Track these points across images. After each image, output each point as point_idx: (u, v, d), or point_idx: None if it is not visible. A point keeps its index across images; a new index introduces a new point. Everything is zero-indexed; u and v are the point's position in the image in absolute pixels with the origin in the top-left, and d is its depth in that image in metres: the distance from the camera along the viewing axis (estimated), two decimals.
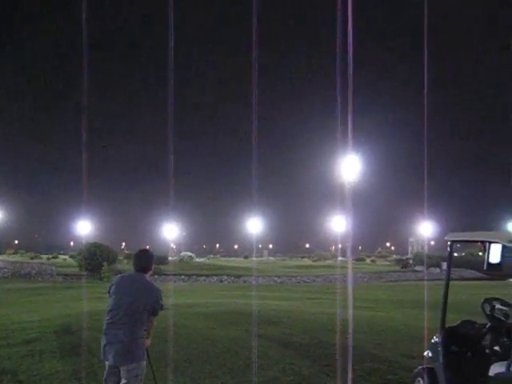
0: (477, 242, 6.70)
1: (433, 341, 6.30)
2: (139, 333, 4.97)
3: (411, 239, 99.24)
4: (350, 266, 66.22)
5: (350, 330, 6.98)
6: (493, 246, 5.29)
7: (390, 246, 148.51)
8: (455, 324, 6.25)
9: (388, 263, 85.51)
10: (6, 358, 9.28)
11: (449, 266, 6.75)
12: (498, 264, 5.25)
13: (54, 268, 54.26)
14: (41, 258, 76.53)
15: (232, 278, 53.97)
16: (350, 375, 7.23)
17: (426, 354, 6.44)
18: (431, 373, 6.09)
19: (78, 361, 8.79)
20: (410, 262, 75.14)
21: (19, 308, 18.38)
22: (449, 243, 6.30)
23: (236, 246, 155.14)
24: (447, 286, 6.34)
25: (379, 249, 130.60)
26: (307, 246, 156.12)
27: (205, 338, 10.59)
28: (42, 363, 8.81)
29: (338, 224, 70.93)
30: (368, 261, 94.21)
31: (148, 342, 5.30)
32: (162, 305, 5.20)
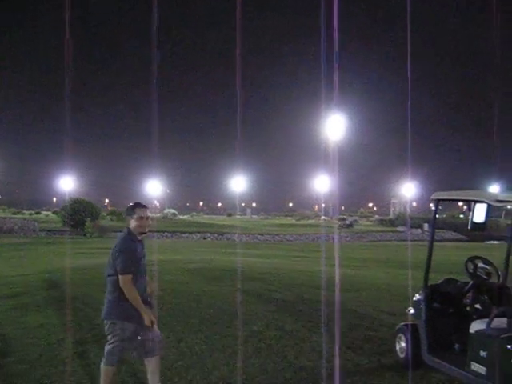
0: (462, 200, 6.74)
1: (415, 298, 6.39)
2: (112, 294, 4.92)
3: (394, 200, 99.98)
4: (335, 224, 66.68)
5: (337, 287, 7.05)
6: (478, 205, 5.32)
7: (373, 207, 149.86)
8: (438, 282, 6.33)
9: (370, 223, 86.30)
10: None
11: (433, 225, 6.82)
12: (482, 223, 5.30)
13: (36, 224, 54.07)
14: (23, 214, 76.12)
15: (215, 235, 54.23)
16: (337, 330, 7.33)
17: (408, 311, 6.54)
18: (413, 329, 6.20)
19: (62, 314, 8.82)
20: (347, 222, 74.45)
21: (3, 263, 18.33)
22: (434, 202, 6.33)
23: (219, 204, 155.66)
24: (431, 244, 6.39)
25: (361, 209, 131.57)
26: (290, 205, 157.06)
27: (188, 293, 10.64)
28: (27, 316, 8.83)
29: (322, 183, 71.24)
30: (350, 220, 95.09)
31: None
32: (121, 266, 4.81)
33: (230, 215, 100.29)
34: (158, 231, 48.85)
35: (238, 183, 76.93)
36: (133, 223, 5.01)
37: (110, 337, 4.98)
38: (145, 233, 5.05)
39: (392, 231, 69.01)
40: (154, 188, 76.04)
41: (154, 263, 14.09)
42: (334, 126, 47.06)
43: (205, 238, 51.73)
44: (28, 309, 9.47)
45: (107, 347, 4.99)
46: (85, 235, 41.13)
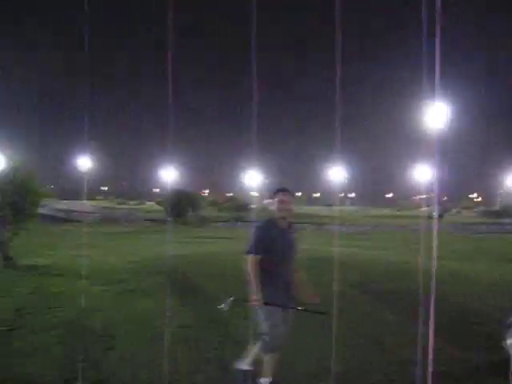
0: None
1: None
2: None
3: (501, 190, 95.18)
4: (435, 214, 64.15)
5: (433, 277, 6.83)
6: None
7: (478, 197, 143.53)
8: None
9: (474, 214, 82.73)
10: (99, 296, 9.78)
11: None
12: None
13: (141, 214, 56.36)
14: (128, 204, 79.49)
15: (315, 225, 54.05)
16: (432, 321, 7.09)
17: None
18: None
19: (166, 300, 9.13)
20: (440, 213, 70.52)
21: (110, 250, 19.21)
22: None
23: (317, 194, 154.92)
24: None
25: (465, 200, 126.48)
26: (390, 195, 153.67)
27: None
28: (132, 301, 9.25)
29: (423, 173, 68.97)
30: (454, 211, 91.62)
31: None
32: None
33: (328, 206, 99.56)
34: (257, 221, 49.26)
35: (337, 173, 76.08)
36: (274, 206, 4.92)
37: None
38: (285, 218, 4.91)
39: (498, 223, 65.75)
40: (253, 178, 76.76)
41: None
42: (437, 114, 45.36)
43: (304, 229, 51.73)
44: (135, 294, 9.91)
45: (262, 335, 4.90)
46: (186, 224, 42.34)
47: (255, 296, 4.64)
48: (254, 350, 5.14)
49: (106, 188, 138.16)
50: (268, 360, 4.93)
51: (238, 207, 54.26)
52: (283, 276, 4.86)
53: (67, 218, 46.09)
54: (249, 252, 4.78)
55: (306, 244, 22.47)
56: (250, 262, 4.73)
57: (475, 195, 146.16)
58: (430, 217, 65.60)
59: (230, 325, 7.57)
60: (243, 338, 6.76)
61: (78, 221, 44.68)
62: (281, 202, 4.88)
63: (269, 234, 4.82)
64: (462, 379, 5.59)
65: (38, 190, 14.55)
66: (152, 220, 50.96)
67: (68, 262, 14.81)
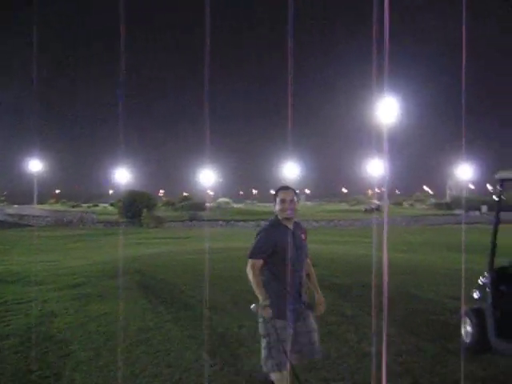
0: None
1: (480, 282, 6.20)
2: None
3: (450, 182, 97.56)
4: (385, 208, 65.63)
5: (385, 270, 6.96)
6: None
7: (428, 190, 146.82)
8: (505, 265, 6.13)
9: (426, 207, 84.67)
10: (55, 301, 9.56)
11: (498, 207, 6.58)
12: None
13: (94, 216, 55.47)
14: (81, 207, 78.22)
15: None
16: (385, 314, 7.17)
17: (473, 294, 6.36)
18: (479, 313, 6.02)
19: (123, 303, 9.00)
20: (373, 206, 72.24)
21: (64, 254, 18.85)
22: (498, 182, 6.12)
23: (272, 191, 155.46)
24: (496, 226, 6.19)
25: (417, 193, 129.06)
26: (344, 190, 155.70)
27: (246, 280, 10.72)
28: (89, 306, 9.07)
29: (375, 168, 70.16)
30: (406, 205, 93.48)
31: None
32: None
33: None
34: (212, 220, 49.31)
35: (291, 170, 76.58)
36: (276, 207, 4.52)
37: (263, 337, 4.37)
38: (290, 218, 4.48)
39: (449, 214, 67.49)
40: (207, 177, 76.63)
41: (209, 252, 14.25)
42: (387, 109, 46.14)
43: (259, 226, 51.84)
44: (90, 298, 9.72)
45: (264, 351, 4.31)
46: (141, 225, 41.92)
47: (264, 303, 4.14)
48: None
49: (59, 191, 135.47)
50: (278, 380, 4.30)
51: (194, 206, 54.08)
52: (292, 280, 4.36)
53: (18, 223, 45.01)
54: (250, 256, 4.38)
55: None
56: (250, 267, 4.34)
57: (426, 188, 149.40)
58: (367, 211, 67.12)
59: (187, 327, 7.54)
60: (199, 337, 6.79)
61: (30, 225, 43.71)
62: (283, 201, 4.49)
63: (274, 237, 4.41)
64: (420, 368, 5.67)
65: None
66: (106, 222, 50.29)
67: (21, 267, 14.45)
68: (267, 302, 4.12)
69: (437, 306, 8.59)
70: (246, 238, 27.13)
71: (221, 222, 51.34)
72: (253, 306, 4.26)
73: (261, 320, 4.29)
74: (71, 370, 5.79)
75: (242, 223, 53.06)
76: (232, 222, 52.70)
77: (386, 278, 6.80)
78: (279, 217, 4.51)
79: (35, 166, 62.19)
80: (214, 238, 23.19)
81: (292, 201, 4.50)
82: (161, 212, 52.43)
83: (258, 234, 4.51)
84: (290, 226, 4.50)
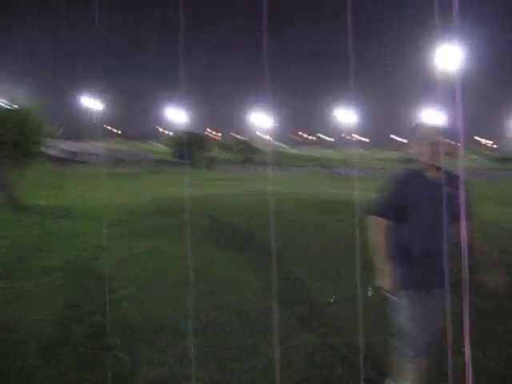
0: None
1: None
2: None
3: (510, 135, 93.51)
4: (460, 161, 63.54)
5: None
6: None
7: (486, 142, 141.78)
8: None
9: (487, 159, 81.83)
10: (101, 237, 9.54)
11: None
12: None
13: (149, 155, 55.90)
14: (137, 146, 79.15)
15: (325, 168, 53.63)
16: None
17: None
18: None
19: (168, 241, 8.90)
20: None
21: (115, 191, 18.96)
22: None
23: (327, 138, 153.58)
24: None
25: (473, 143, 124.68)
26: (399, 139, 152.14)
27: (304, 225, 10.58)
28: (134, 242, 9.02)
29: (431, 117, 67.85)
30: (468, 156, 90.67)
31: None
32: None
33: (338, 149, 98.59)
34: (268, 165, 48.93)
35: (346, 116, 75.13)
36: (419, 151, 3.42)
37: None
38: (439, 167, 3.34)
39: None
40: (262, 121, 76.02)
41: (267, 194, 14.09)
42: (449, 55, 44.04)
43: (314, 172, 51.26)
44: (137, 235, 9.67)
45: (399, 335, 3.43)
46: (194, 166, 41.99)
47: (385, 277, 3.27)
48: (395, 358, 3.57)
49: (116, 129, 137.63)
50: (410, 369, 3.42)
51: (248, 150, 53.72)
52: (432, 249, 3.32)
53: (74, 159, 45.77)
54: (373, 212, 3.40)
55: (320, 187, 22.22)
56: (373, 226, 3.36)
57: (486, 140, 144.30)
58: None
59: (234, 267, 7.35)
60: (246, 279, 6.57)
61: (85, 162, 44.43)
62: (434, 143, 3.31)
63: (410, 190, 3.34)
64: None
65: (40, 128, 14.15)
66: (159, 161, 50.53)
67: (71, 203, 14.60)
68: (389, 273, 3.27)
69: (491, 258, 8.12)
70: (300, 182, 26.93)
71: (277, 167, 50.88)
72: (369, 290, 3.58)
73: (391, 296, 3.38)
74: (113, 306, 5.68)
75: (296, 168, 52.52)
76: (287, 167, 52.15)
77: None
78: (423, 163, 3.39)
79: (93, 102, 63.03)
80: (266, 180, 22.85)
81: (446, 144, 3.34)
82: (215, 154, 52.31)
83: (388, 185, 3.43)
84: (438, 177, 3.36)
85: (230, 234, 9.81)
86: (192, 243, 8.61)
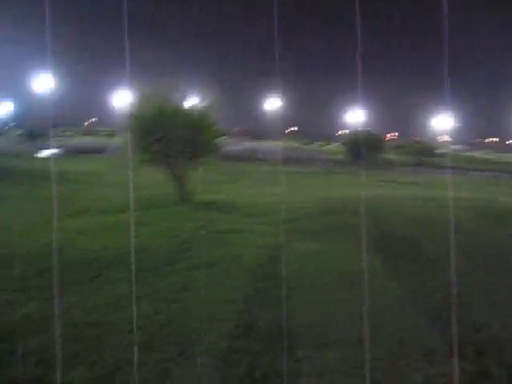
0: None
1: None
2: None
3: None
4: None
5: None
6: None
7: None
8: None
9: None
10: (265, 234, 9.46)
11: None
12: None
13: (323, 155, 55.94)
14: (313, 145, 79.84)
15: (507, 173, 49.38)
16: None
17: None
18: None
19: (334, 242, 8.50)
20: None
21: (286, 189, 18.98)
22: None
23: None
24: None
25: None
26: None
27: (480, 238, 9.60)
28: (298, 242, 8.74)
29: None
30: None
31: None
32: None
33: None
34: (443, 167, 46.43)
35: None
36: None
37: None
38: None
39: None
40: (444, 121, 72.28)
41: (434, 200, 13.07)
42: None
43: (494, 177, 47.47)
44: (302, 234, 9.41)
45: None
46: (367, 168, 41.17)
47: None
48: None
49: (295, 128, 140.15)
50: None
51: (423, 151, 51.41)
52: None
53: (251, 157, 47.17)
54: None
55: (497, 194, 20.39)
56: None
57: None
58: None
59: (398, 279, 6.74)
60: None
61: (262, 160, 45.58)
62: None
63: None
64: None
65: (212, 126, 14.58)
66: (334, 162, 50.26)
67: (241, 199, 14.84)
68: None
69: None
70: (476, 187, 24.98)
71: (451, 170, 47.91)
72: None
73: None
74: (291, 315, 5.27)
75: (474, 172, 49.08)
76: (465, 171, 48.94)
77: None
78: None
79: (273, 103, 64.50)
80: (441, 185, 21.45)
81: None
82: (389, 155, 50.97)
83: None
84: None
85: (399, 242, 9.07)
86: (357, 247, 8.14)
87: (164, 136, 13.54)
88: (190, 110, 14.17)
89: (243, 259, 7.59)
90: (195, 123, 13.93)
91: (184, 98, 14.56)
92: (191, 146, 13.74)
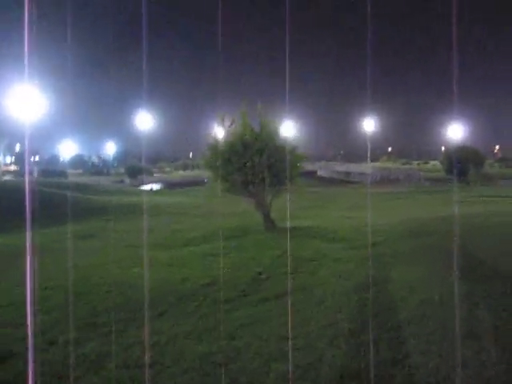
0: None
1: None
2: None
3: None
4: None
5: None
6: None
7: None
8: None
9: None
10: (346, 261, 8.98)
11: None
12: None
13: (420, 173, 54.20)
14: (411, 164, 77.82)
15: None
16: None
17: None
18: None
19: (413, 267, 7.82)
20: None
21: (377, 211, 18.32)
22: None
23: None
24: None
25: None
26: None
27: None
28: (376, 269, 8.11)
29: None
30: None
31: None
32: None
33: None
34: None
35: None
36: None
37: None
38: None
39: None
40: None
41: None
42: None
43: None
44: (382, 259, 8.80)
45: None
46: (468, 184, 39.28)
47: None
48: None
49: (391, 148, 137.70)
50: None
51: None
52: None
53: (344, 180, 46.60)
54: None
55: None
56: None
57: None
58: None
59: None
60: None
61: (355, 182, 44.84)
62: None
63: None
64: None
65: (293, 150, 14.28)
66: (432, 180, 48.50)
67: (329, 223, 14.42)
68: None
69: None
70: None
71: None
72: None
73: None
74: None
75: None
76: None
77: None
78: None
79: (370, 125, 63.35)
80: None
81: None
82: (493, 169, 48.56)
83: None
84: None
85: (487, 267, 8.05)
86: (437, 270, 7.44)
87: (244, 164, 13.39)
88: (271, 135, 13.91)
89: (318, 288, 7.16)
90: (277, 148, 13.68)
91: (269, 122, 14.33)
92: (273, 172, 13.47)
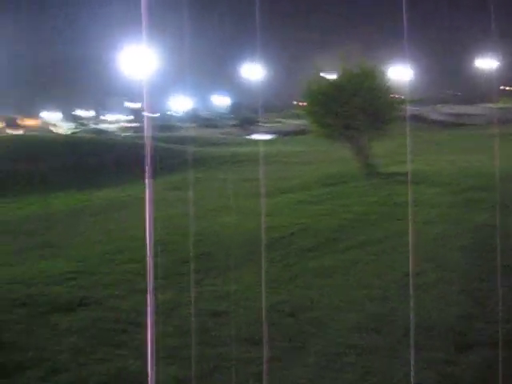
0: None
1: None
2: None
3: None
4: None
5: None
6: None
7: None
8: None
9: None
10: (444, 206, 8.50)
11: None
12: None
13: None
14: None
15: None
16: None
17: None
18: None
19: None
20: None
21: (487, 155, 17.05)
22: None
23: None
24: None
25: None
26: None
27: None
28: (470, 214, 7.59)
29: None
30: None
31: None
32: None
33: None
34: None
35: None
36: None
37: None
38: None
39: None
40: None
41: None
42: None
43: None
44: (480, 205, 8.19)
45: None
46: None
47: None
48: None
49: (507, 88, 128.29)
50: None
51: None
52: None
53: (454, 123, 43.97)
54: None
55: None
56: None
57: None
58: None
59: None
60: None
61: (469, 125, 42.26)
62: None
63: None
64: None
65: (389, 92, 13.64)
66: None
67: (432, 168, 13.68)
68: None
69: None
70: None
71: None
72: None
73: None
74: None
75: None
76: None
77: None
78: None
79: (486, 63, 59.03)
80: None
81: None
82: None
83: None
84: None
85: None
86: None
87: (341, 108, 12.96)
88: (368, 76, 13.32)
89: (407, 236, 6.80)
90: (373, 90, 13.11)
91: (366, 64, 13.78)
92: (369, 114, 12.95)
